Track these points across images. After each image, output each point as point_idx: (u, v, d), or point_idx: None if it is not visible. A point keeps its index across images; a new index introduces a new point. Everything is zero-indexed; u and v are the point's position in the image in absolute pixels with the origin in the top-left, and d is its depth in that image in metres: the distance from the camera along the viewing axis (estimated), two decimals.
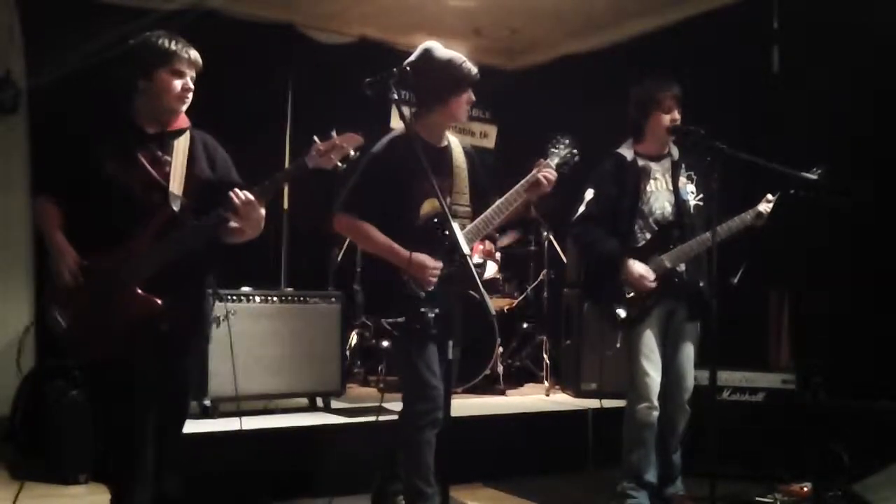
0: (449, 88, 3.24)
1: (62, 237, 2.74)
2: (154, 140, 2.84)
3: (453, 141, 3.44)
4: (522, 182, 3.28)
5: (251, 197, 2.74)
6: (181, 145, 2.87)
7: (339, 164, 2.79)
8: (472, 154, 3.52)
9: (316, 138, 2.79)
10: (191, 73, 2.81)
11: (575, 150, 3.38)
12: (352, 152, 2.81)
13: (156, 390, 2.79)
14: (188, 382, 2.98)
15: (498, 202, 3.28)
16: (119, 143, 2.79)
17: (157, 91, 2.79)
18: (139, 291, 2.70)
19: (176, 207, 2.79)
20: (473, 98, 3.32)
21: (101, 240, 2.73)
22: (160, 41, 2.79)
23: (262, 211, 2.84)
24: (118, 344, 2.71)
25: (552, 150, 3.37)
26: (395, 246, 3.18)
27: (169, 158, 2.83)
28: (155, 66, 2.77)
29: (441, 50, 3.27)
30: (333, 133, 2.79)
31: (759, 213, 3.77)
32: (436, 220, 3.22)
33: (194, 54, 2.82)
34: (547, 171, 3.28)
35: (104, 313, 2.70)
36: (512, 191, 3.28)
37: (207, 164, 2.92)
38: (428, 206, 3.23)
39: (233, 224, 2.82)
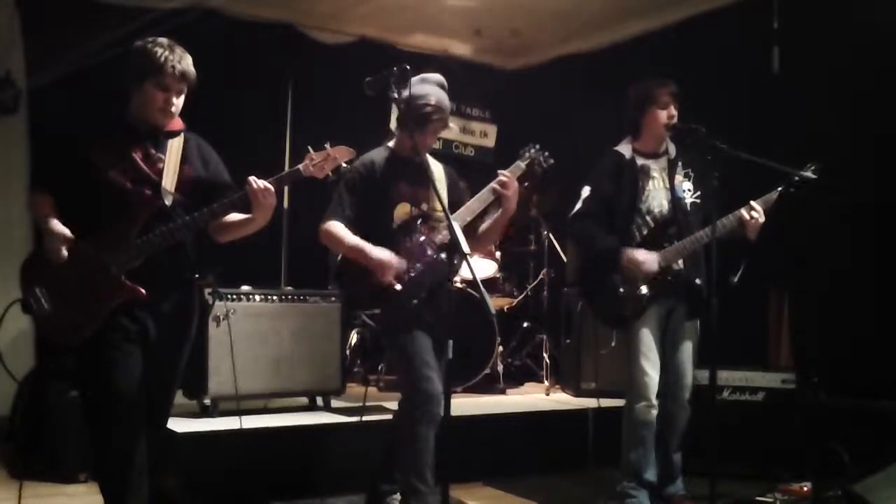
0: (412, 121, 3.36)
1: (56, 219, 2.78)
2: (148, 138, 2.90)
3: (431, 160, 3.59)
4: (481, 192, 3.43)
5: (270, 186, 2.83)
6: (175, 145, 2.93)
7: (331, 174, 2.95)
8: (453, 174, 3.67)
9: (310, 148, 2.92)
10: (178, 87, 2.86)
11: (545, 156, 3.51)
12: (343, 164, 2.97)
13: (141, 383, 2.82)
14: (173, 377, 3.00)
15: (462, 207, 3.45)
16: (113, 140, 2.85)
17: (142, 100, 2.85)
18: (123, 279, 2.76)
19: (168, 202, 2.85)
20: (429, 141, 3.50)
21: (92, 229, 2.78)
22: (154, 50, 2.82)
23: (274, 200, 2.90)
24: (97, 329, 2.76)
25: (521, 153, 3.53)
26: (364, 246, 3.32)
27: (162, 156, 2.89)
28: (143, 77, 2.83)
29: (419, 86, 3.39)
30: (327, 145, 2.93)
31: (742, 217, 3.71)
32: (407, 222, 3.39)
33: (184, 67, 2.84)
34: (501, 176, 3.40)
35: (86, 298, 2.75)
36: (473, 199, 3.45)
37: (201, 165, 2.98)
38: (400, 210, 3.41)
39: (233, 218, 2.90)
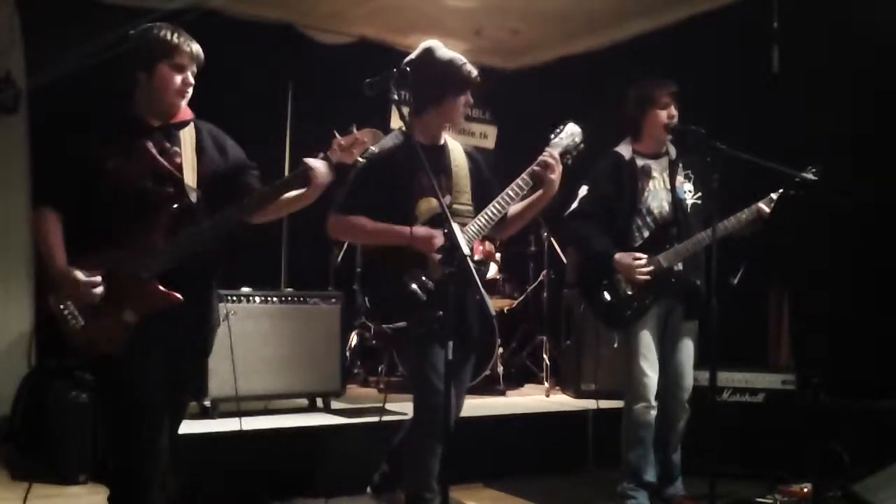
0: (447, 89, 3.20)
1: (66, 267, 2.59)
2: (160, 131, 2.75)
3: (451, 142, 3.40)
4: (522, 176, 3.21)
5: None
6: (188, 137, 2.78)
7: (360, 158, 2.77)
8: (475, 155, 3.47)
9: (336, 133, 2.75)
10: (192, 68, 2.73)
11: (578, 139, 3.27)
12: (371, 148, 2.78)
13: (167, 390, 2.72)
14: (192, 383, 2.92)
15: (497, 199, 3.21)
16: (123, 137, 2.70)
17: (156, 85, 2.70)
18: (157, 285, 2.62)
19: (193, 199, 2.71)
20: (471, 101, 3.29)
21: (112, 236, 2.64)
22: (162, 33, 2.70)
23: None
24: (133, 340, 2.62)
25: (553, 138, 3.29)
26: (394, 226, 3.11)
27: (178, 150, 2.74)
28: (156, 59, 2.69)
29: (442, 50, 3.25)
30: (353, 128, 2.77)
31: (761, 210, 3.75)
32: (433, 219, 3.15)
33: (196, 48, 2.74)
34: (545, 157, 3.18)
35: (119, 308, 2.60)
36: (512, 184, 3.20)
37: (218, 154, 2.84)
38: (424, 206, 3.17)
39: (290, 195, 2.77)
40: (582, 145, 3.29)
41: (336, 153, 2.74)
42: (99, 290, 2.58)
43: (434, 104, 3.23)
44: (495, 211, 3.20)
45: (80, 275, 2.57)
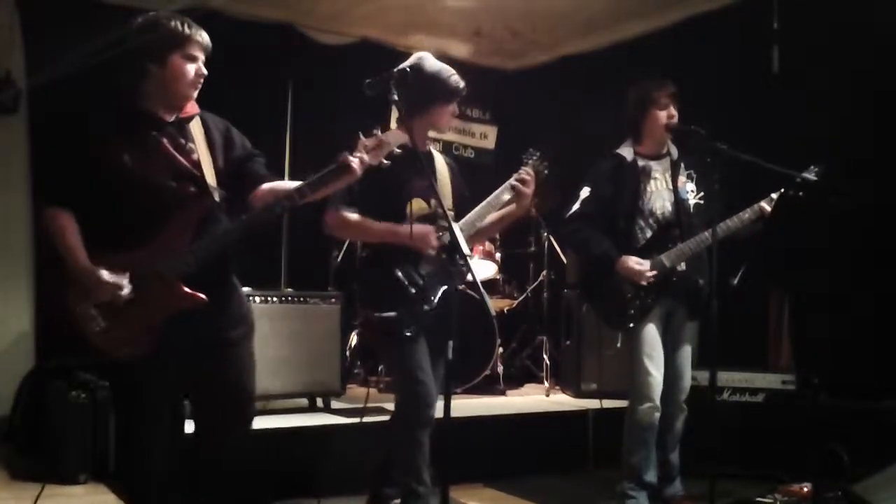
0: (434, 99, 3.31)
1: (89, 266, 2.53)
2: (172, 126, 2.68)
3: (433, 150, 3.55)
4: (500, 189, 3.34)
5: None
6: (197, 131, 2.73)
7: (385, 161, 2.69)
8: (453, 166, 3.60)
9: (361, 134, 2.68)
10: (202, 58, 2.69)
11: (546, 163, 3.41)
12: (396, 150, 2.71)
13: (177, 391, 2.72)
14: (239, 381, 2.83)
15: (480, 205, 3.36)
16: (135, 131, 2.63)
17: (169, 77, 2.64)
18: (183, 287, 2.56)
19: (217, 198, 2.66)
20: (457, 111, 3.42)
21: (131, 235, 2.57)
22: (172, 23, 2.64)
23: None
24: (158, 342, 2.57)
25: (525, 160, 3.41)
26: (394, 225, 3.22)
27: (193, 146, 2.68)
28: (168, 50, 2.62)
29: (431, 61, 3.35)
30: (378, 130, 2.70)
31: (763, 210, 3.75)
32: (423, 220, 3.26)
33: (206, 38, 2.70)
34: (522, 174, 3.33)
35: (143, 310, 2.55)
36: (492, 195, 3.35)
37: (226, 146, 2.79)
38: (415, 207, 3.28)
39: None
40: (546, 171, 3.43)
41: (362, 154, 2.65)
42: (125, 291, 2.52)
43: (422, 113, 3.34)
44: (475, 217, 3.35)
45: (105, 274, 2.51)
